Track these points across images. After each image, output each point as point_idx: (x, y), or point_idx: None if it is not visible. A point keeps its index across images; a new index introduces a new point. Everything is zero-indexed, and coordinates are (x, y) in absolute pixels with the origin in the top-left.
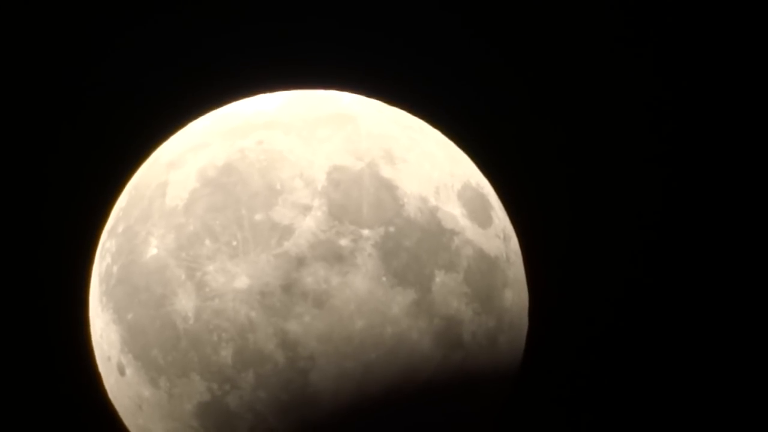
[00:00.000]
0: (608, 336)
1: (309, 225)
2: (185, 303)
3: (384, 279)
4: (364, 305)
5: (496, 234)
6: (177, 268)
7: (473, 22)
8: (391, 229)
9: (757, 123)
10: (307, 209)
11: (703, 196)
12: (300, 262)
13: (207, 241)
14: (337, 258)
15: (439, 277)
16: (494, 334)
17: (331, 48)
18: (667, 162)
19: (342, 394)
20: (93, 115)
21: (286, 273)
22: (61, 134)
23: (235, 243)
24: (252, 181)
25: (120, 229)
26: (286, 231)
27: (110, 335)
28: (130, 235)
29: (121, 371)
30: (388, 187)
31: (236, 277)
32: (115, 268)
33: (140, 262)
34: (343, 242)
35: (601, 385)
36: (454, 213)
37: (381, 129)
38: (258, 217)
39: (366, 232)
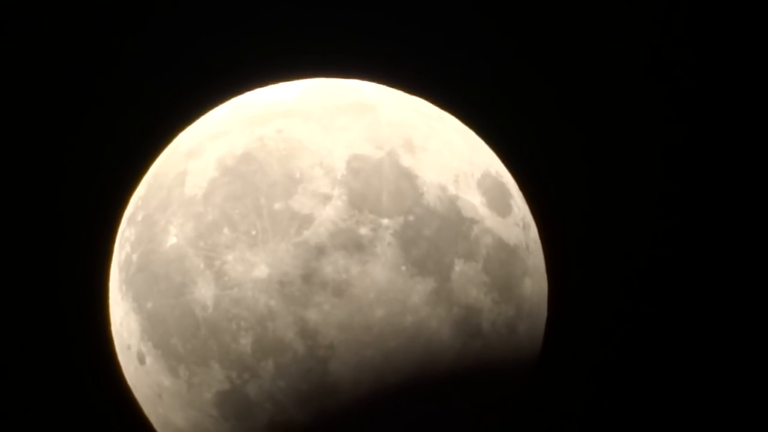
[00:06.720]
0: (627, 325)
1: (329, 214)
2: (204, 292)
3: (403, 268)
4: (384, 294)
5: (515, 222)
6: (196, 257)
7: (493, 11)
8: (411, 218)
9: None
10: (326, 198)
11: (725, 184)
12: (319, 251)
13: (226, 230)
14: (356, 247)
15: (459, 266)
16: (513, 322)
17: (351, 36)
18: (686, 151)
19: (361, 383)
20: (112, 104)
21: (305, 262)
22: (81, 123)
23: (254, 232)
24: (271, 170)
25: (139, 218)
26: (306, 220)
27: (130, 324)
28: (150, 224)
29: (141, 360)
30: (408, 176)
31: (255, 266)
32: (134, 257)
33: (159, 251)
34: (363, 231)
35: (619, 373)
36: (474, 202)
37: (400, 118)
38: (277, 206)
39: (386, 221)
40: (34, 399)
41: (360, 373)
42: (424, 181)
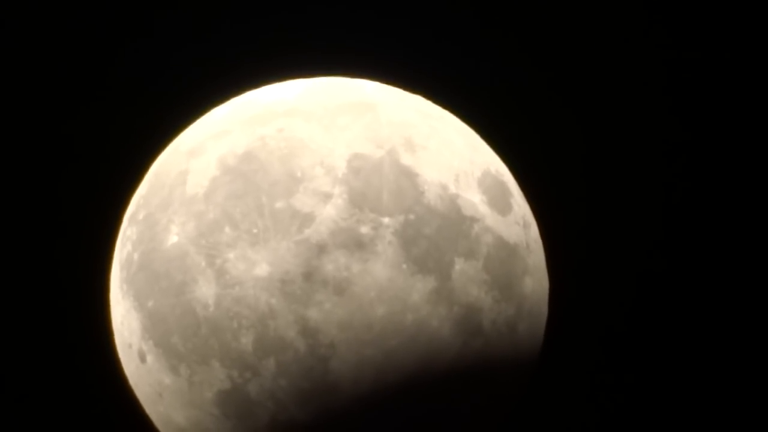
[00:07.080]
0: (628, 324)
1: (329, 212)
2: (205, 290)
3: (404, 266)
4: (385, 293)
5: (515, 221)
6: (197, 256)
7: (493, 11)
8: (411, 216)
9: None
10: (327, 197)
11: (726, 184)
12: (320, 249)
13: (227, 229)
14: (357, 245)
15: (459, 265)
16: (514, 321)
17: (352, 36)
18: (686, 150)
19: (362, 381)
20: (114, 103)
21: (306, 260)
22: (82, 123)
23: (255, 230)
24: (272, 169)
25: (141, 217)
26: (307, 218)
27: (131, 322)
28: (151, 223)
29: (142, 358)
30: (408, 175)
31: (256, 265)
32: (135, 256)
33: (161, 250)
34: (364, 230)
35: (619, 373)
36: (474, 200)
37: (401, 117)
38: (278, 204)
39: (386, 219)
40: (34, 398)
41: (361, 372)
42: (425, 180)
